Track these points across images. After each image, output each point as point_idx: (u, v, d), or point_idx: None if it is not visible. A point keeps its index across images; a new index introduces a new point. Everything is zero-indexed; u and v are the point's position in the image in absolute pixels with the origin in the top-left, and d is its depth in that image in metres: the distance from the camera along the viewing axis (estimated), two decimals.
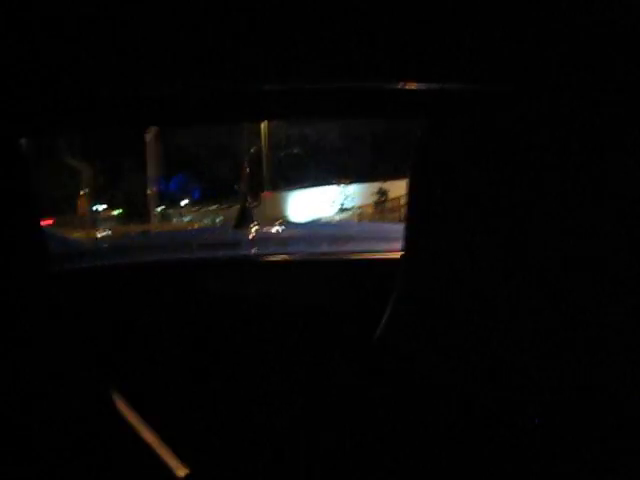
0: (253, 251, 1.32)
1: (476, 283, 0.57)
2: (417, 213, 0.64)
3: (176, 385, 1.04)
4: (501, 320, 0.56)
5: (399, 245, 0.77)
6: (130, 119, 0.88)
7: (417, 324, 0.61)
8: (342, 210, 10.83)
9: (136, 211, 11.10)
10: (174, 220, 15.09)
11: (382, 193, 10.75)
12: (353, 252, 1.30)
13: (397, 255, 0.74)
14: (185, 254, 1.31)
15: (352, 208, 10.95)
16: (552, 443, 0.54)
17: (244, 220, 1.47)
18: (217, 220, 14.21)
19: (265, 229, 1.40)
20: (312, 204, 11.76)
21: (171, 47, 0.59)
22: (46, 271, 0.68)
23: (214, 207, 14.65)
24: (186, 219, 15.72)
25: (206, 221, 14.46)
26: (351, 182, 10.77)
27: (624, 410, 0.54)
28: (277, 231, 1.41)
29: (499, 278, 0.56)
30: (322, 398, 0.87)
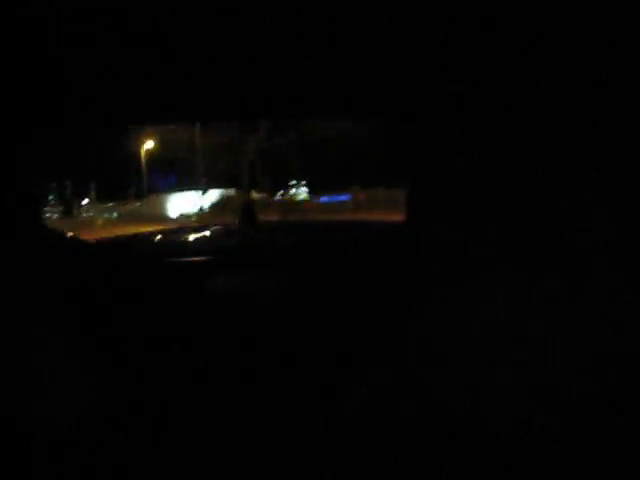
0: (255, 249, 1.25)
1: (476, 278, 0.56)
2: (417, 210, 0.59)
3: (175, 384, 1.00)
4: (503, 316, 0.54)
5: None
6: (131, 119, 0.91)
7: (416, 321, 0.59)
8: None
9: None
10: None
11: None
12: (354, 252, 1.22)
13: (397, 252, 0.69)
14: (184, 252, 1.22)
15: None
16: (552, 446, 0.54)
17: (248, 219, 1.26)
18: None
19: (269, 227, 1.28)
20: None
21: (170, 48, 0.60)
22: (46, 271, 0.64)
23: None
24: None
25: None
26: None
27: (625, 413, 0.53)
28: (279, 230, 1.30)
29: (500, 274, 0.55)
30: (321, 397, 0.87)
